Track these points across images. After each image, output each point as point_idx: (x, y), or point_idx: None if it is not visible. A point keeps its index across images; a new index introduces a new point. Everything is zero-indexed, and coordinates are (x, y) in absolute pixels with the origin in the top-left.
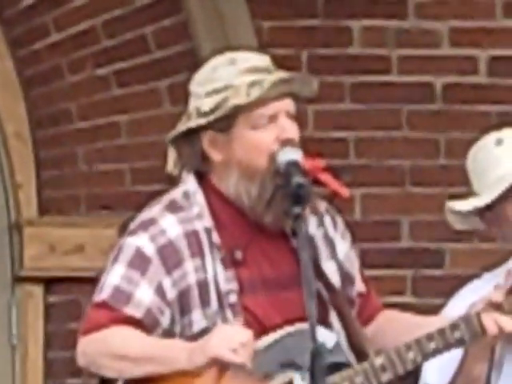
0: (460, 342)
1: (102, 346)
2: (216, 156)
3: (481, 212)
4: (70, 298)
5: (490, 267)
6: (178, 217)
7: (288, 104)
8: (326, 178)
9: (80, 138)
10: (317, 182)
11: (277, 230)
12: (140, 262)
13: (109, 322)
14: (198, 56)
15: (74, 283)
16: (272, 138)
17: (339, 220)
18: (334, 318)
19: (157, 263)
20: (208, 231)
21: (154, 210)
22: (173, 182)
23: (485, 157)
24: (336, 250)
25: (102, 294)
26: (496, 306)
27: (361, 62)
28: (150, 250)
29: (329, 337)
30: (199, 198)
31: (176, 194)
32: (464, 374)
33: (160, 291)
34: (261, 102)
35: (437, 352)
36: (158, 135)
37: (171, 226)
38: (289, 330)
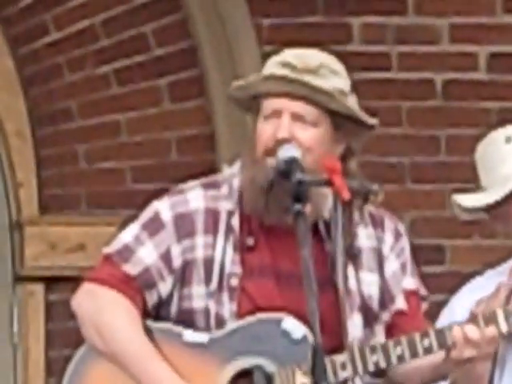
0: (428, 351)
1: (95, 316)
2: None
3: (488, 206)
4: (71, 296)
5: (491, 264)
6: (207, 193)
7: (295, 105)
8: (337, 180)
9: (80, 137)
10: (328, 181)
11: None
12: (154, 225)
13: (108, 277)
14: (197, 54)
15: (75, 282)
16: (270, 133)
17: (403, 240)
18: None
19: (170, 230)
20: (229, 214)
21: (190, 184)
22: (173, 180)
23: (494, 153)
24: (384, 266)
25: (112, 247)
26: (472, 319)
27: (361, 58)
28: (167, 215)
29: (298, 328)
30: (235, 181)
31: (223, 173)
32: (466, 372)
33: (167, 257)
34: (268, 94)
35: (402, 358)
36: (158, 133)
37: (195, 199)
38: (260, 317)
